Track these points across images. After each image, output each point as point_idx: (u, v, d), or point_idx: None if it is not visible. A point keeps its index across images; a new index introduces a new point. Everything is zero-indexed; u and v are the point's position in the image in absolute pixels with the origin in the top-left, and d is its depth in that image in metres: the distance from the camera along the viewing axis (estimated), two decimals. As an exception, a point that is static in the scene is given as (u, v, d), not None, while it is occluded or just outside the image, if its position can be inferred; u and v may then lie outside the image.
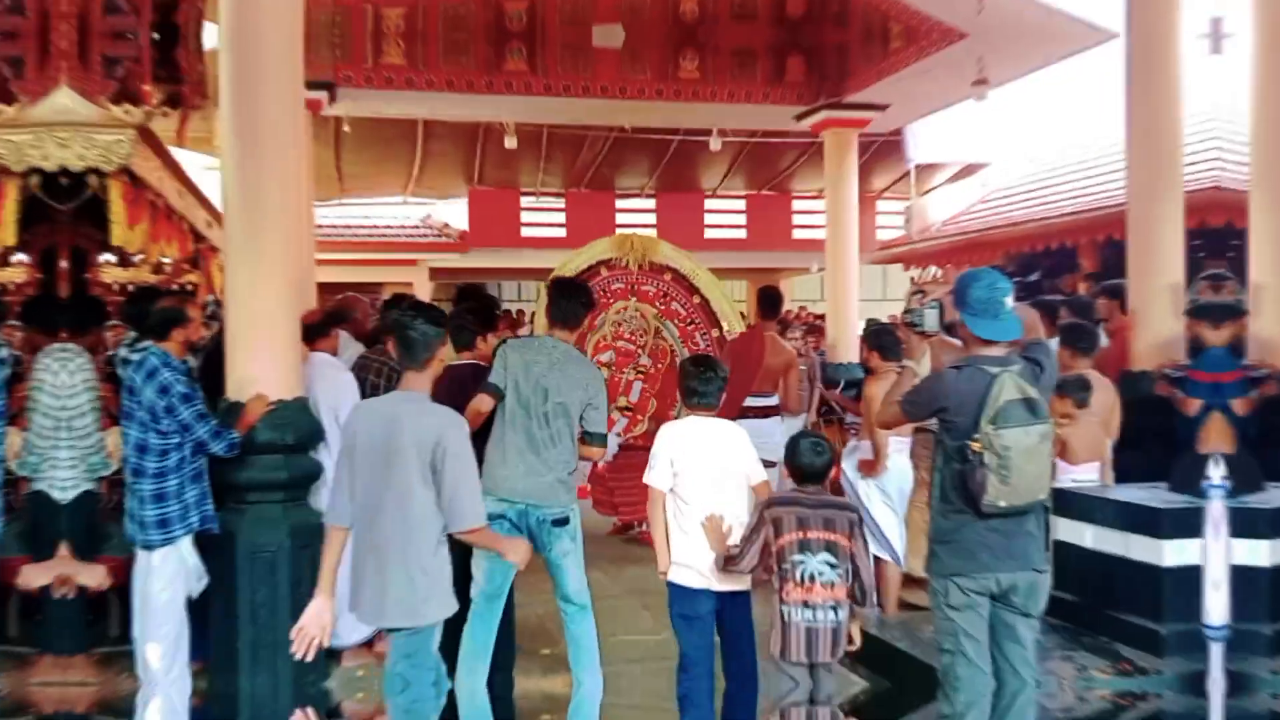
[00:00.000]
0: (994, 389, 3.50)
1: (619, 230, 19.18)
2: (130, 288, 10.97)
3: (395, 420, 3.74)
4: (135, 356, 4.92)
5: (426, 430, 3.70)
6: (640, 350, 8.12)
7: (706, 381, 4.47)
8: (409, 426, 3.72)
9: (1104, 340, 6.86)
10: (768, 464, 7.46)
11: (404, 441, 3.70)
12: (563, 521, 4.61)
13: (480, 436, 4.45)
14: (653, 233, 19.43)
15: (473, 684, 4.48)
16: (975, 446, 3.52)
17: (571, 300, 4.94)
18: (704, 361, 4.72)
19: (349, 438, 3.87)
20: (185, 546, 4.78)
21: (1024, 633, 3.75)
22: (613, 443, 7.45)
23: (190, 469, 4.79)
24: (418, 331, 3.81)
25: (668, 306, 8.19)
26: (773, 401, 7.49)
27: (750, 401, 7.25)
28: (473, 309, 5.27)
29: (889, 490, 5.95)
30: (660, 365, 8.10)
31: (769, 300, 7.66)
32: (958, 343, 7.46)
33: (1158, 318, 7.02)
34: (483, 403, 4.61)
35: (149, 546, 4.70)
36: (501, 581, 4.57)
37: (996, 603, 3.73)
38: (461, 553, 4.17)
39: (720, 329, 8.22)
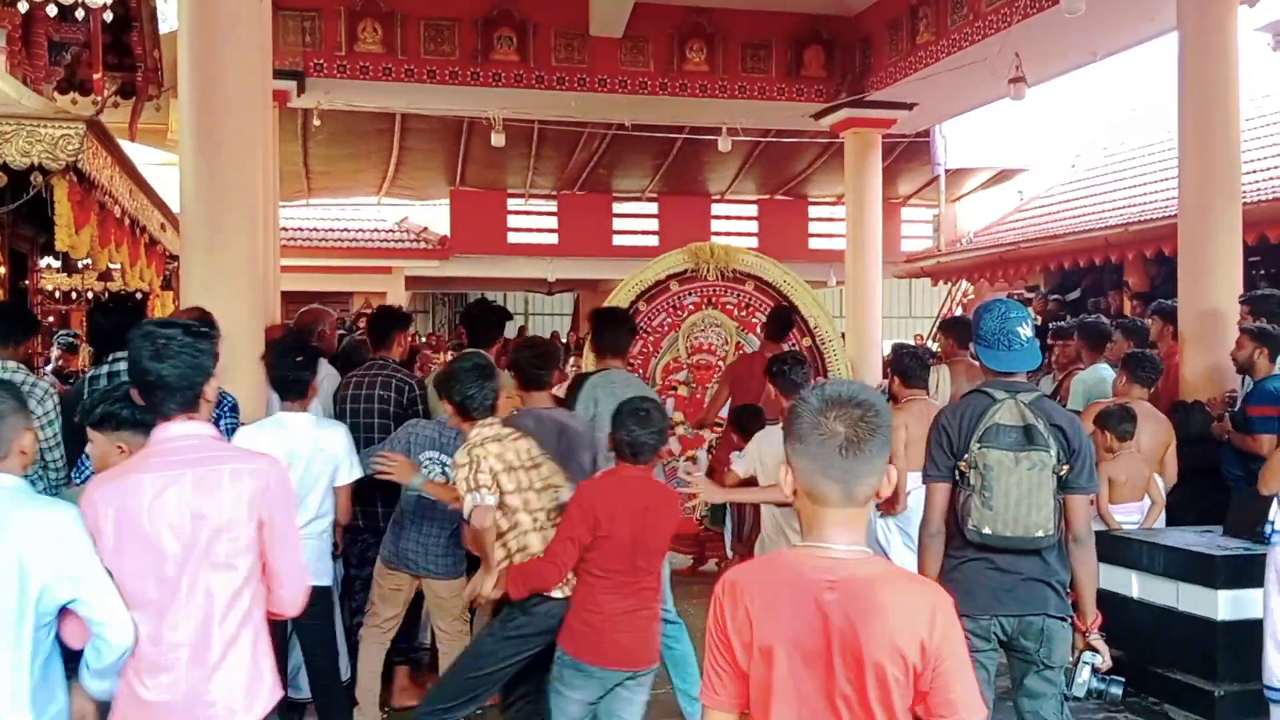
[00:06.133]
0: (990, 410, 3.67)
1: (617, 235, 19.75)
2: (73, 294, 11.03)
3: None
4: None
5: None
6: (720, 364, 8.28)
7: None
8: None
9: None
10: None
11: None
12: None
13: None
14: (653, 240, 19.65)
15: None
16: (962, 465, 3.67)
17: (619, 328, 5.34)
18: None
19: None
20: None
21: (1039, 686, 3.70)
22: (702, 460, 7.81)
23: None
24: None
25: (750, 318, 8.36)
26: None
27: None
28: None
29: (910, 531, 5.93)
30: None
31: (779, 320, 7.69)
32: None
33: (1210, 343, 7.02)
34: None
35: None
36: None
37: (1013, 653, 3.77)
38: None
39: (813, 338, 8.39)
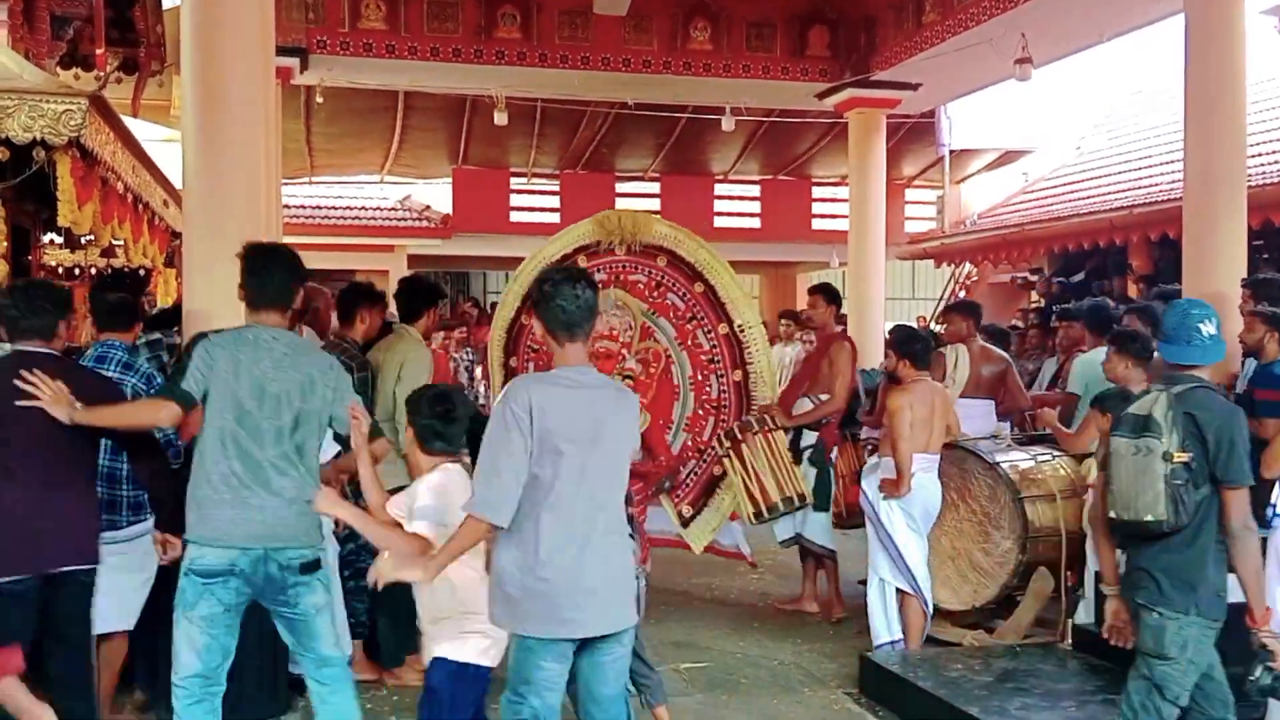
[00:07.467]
0: (1134, 401, 3.91)
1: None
2: (76, 270, 11.03)
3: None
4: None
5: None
6: (625, 352, 6.91)
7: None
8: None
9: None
10: None
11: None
12: (313, 566, 3.87)
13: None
14: (656, 220, 19.61)
15: None
16: None
17: (272, 270, 3.97)
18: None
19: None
20: None
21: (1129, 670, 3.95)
22: None
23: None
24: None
25: (662, 300, 6.98)
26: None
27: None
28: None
29: (914, 513, 5.95)
30: (653, 371, 6.96)
31: (835, 292, 7.68)
32: (998, 351, 7.52)
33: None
34: (167, 412, 3.78)
35: None
36: None
37: None
38: None
39: (730, 324, 7.02)
